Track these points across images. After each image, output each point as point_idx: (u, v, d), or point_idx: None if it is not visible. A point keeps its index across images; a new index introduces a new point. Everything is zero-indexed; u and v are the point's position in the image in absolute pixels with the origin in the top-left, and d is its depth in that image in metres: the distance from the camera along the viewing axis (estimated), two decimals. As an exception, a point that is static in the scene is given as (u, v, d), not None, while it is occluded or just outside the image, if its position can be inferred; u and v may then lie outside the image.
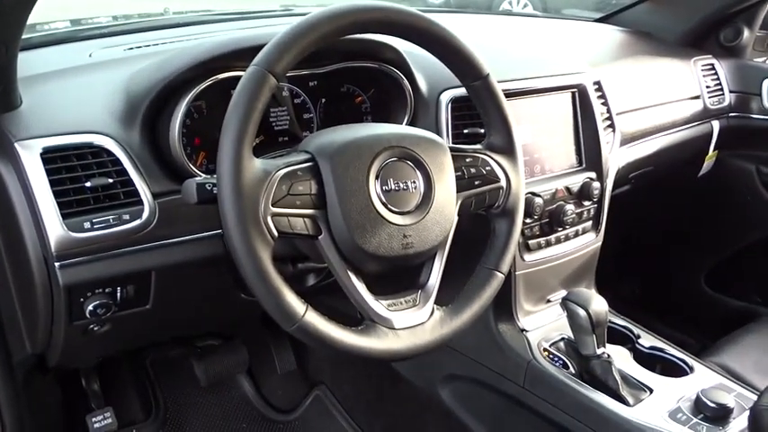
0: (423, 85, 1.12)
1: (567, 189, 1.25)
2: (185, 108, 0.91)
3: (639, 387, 1.10)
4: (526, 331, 1.23)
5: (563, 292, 1.27)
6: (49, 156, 0.83)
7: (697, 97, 1.68)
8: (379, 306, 0.80)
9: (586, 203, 1.29)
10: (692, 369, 1.16)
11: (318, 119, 1.08)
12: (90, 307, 0.87)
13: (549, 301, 1.30)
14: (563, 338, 1.22)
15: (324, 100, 1.08)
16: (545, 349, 1.20)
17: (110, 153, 0.86)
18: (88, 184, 0.83)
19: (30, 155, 0.82)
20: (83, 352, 1.10)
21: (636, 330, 1.26)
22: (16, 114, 0.87)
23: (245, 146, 0.72)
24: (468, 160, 0.90)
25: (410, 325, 0.82)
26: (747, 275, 1.90)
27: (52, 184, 0.82)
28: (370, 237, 0.78)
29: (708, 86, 1.70)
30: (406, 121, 1.11)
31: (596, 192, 1.27)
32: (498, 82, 0.92)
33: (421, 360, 0.86)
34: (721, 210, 1.87)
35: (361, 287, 0.80)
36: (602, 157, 1.30)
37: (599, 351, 1.10)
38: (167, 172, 0.92)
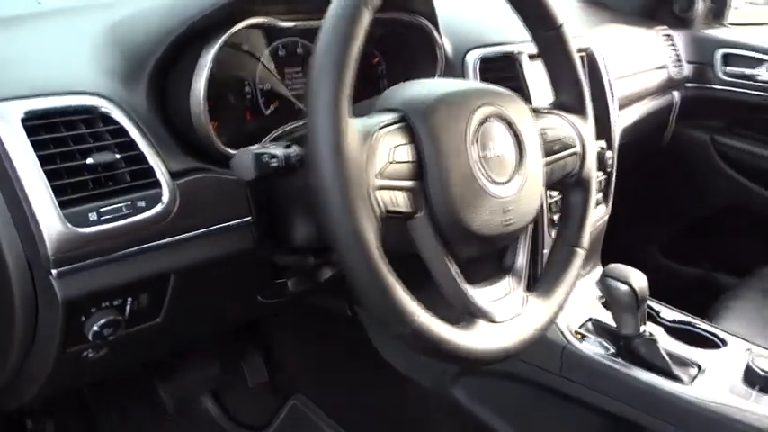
0: (447, 45, 0.99)
1: (584, 159, 1.17)
2: (212, 63, 0.70)
3: (687, 363, 1.04)
4: (553, 315, 1.14)
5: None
6: (32, 124, 0.60)
7: (663, 67, 1.67)
8: (480, 297, 0.66)
9: (599, 174, 1.21)
10: (724, 342, 1.11)
11: None
12: (95, 327, 0.65)
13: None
14: (590, 319, 1.14)
15: None
16: (576, 331, 1.11)
17: (112, 120, 0.65)
18: (89, 161, 0.62)
19: (5, 123, 0.59)
20: (54, 386, 0.85)
21: (654, 306, 1.20)
22: None
23: (346, 99, 0.55)
24: (545, 122, 0.78)
25: (511, 316, 0.69)
26: (703, 245, 1.94)
27: (41, 161, 0.60)
28: (473, 213, 0.64)
29: (670, 56, 1.70)
30: (434, 83, 0.97)
31: (609, 161, 1.20)
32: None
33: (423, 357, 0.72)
34: (678, 180, 1.89)
35: (458, 275, 0.65)
36: (611, 125, 1.24)
37: (641, 329, 1.03)
38: (181, 145, 0.71)
